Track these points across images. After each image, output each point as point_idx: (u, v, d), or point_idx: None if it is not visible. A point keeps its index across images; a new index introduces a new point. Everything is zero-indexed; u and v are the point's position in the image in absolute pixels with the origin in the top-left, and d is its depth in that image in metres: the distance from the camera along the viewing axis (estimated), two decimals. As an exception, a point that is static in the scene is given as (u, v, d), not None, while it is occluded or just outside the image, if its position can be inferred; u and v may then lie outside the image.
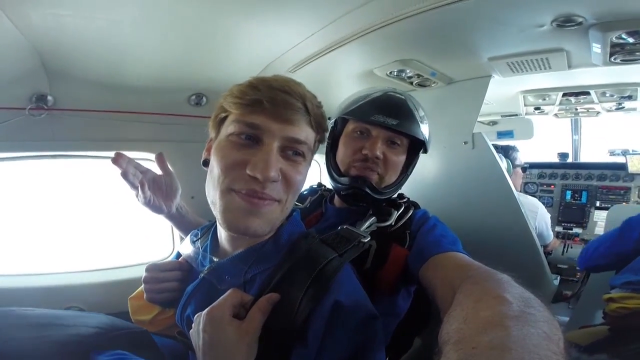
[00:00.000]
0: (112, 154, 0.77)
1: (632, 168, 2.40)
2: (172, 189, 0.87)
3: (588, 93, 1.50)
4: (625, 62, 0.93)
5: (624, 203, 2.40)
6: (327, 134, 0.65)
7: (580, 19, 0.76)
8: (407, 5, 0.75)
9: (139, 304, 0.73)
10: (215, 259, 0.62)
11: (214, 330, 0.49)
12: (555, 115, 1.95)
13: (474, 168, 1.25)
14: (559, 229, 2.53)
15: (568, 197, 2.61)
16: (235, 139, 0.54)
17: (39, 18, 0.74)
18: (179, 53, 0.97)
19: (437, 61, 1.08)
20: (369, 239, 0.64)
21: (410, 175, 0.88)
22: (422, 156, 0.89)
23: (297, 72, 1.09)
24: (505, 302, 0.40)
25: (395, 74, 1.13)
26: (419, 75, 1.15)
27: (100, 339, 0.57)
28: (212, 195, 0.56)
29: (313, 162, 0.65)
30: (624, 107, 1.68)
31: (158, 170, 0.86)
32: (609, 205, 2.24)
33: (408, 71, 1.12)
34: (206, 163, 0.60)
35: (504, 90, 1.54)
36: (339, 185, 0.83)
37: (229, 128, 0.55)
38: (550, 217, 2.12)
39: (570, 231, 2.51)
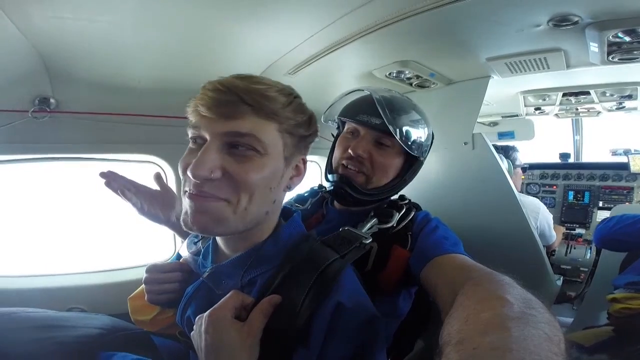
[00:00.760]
0: (111, 156, 0.78)
1: (634, 168, 2.39)
2: (169, 200, 0.90)
3: (588, 93, 1.50)
4: (623, 60, 0.94)
5: (626, 203, 2.39)
6: (306, 123, 0.59)
7: (576, 18, 0.76)
8: (405, 7, 0.76)
9: (138, 304, 0.73)
10: (214, 262, 0.62)
11: (216, 332, 0.49)
12: (556, 115, 1.95)
13: (475, 169, 1.25)
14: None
15: (570, 197, 2.60)
16: (191, 144, 0.56)
17: (41, 21, 0.75)
18: (180, 55, 0.98)
19: (436, 62, 1.09)
20: (370, 240, 0.64)
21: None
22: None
23: (297, 73, 1.09)
24: (507, 304, 0.40)
25: (394, 75, 1.14)
26: (418, 77, 1.15)
27: (104, 339, 0.58)
28: None
29: (313, 163, 0.65)
30: (624, 107, 1.68)
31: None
32: (612, 206, 2.23)
33: (407, 72, 1.13)
34: None
35: (503, 91, 1.54)
36: (328, 183, 0.86)
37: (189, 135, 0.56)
38: (553, 218, 2.11)
39: (573, 232, 2.49)
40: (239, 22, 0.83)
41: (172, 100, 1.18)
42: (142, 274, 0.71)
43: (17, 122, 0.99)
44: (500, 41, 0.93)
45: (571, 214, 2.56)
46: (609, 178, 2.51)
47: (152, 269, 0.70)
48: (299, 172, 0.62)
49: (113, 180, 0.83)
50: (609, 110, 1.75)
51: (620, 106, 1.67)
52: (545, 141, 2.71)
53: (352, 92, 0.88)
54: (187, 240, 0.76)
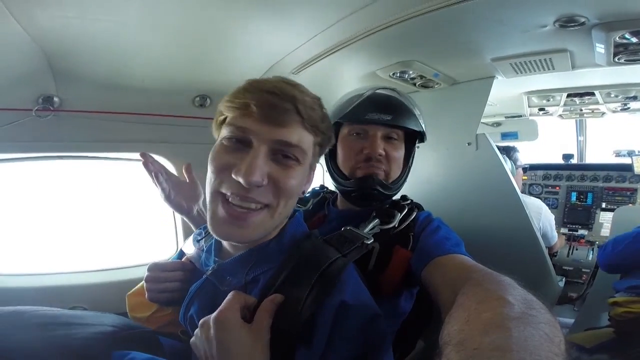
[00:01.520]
0: (115, 154, 0.78)
1: (638, 169, 2.37)
2: (195, 193, 0.94)
3: (593, 94, 1.49)
4: (629, 62, 0.93)
5: (630, 204, 2.38)
6: (330, 136, 0.63)
7: (582, 19, 0.75)
8: (409, 7, 0.75)
9: (137, 300, 0.73)
10: (218, 260, 0.62)
11: (227, 336, 0.48)
12: (560, 116, 1.94)
13: (478, 169, 1.25)
14: (564, 230, 2.51)
15: (573, 198, 2.59)
16: (227, 142, 0.54)
17: (46, 20, 0.75)
18: (184, 54, 0.98)
19: (439, 62, 1.08)
20: (372, 240, 0.64)
21: (414, 177, 0.89)
22: (425, 157, 0.89)
23: (300, 73, 1.09)
24: (507, 304, 0.40)
25: (398, 75, 1.13)
26: (422, 77, 1.15)
27: (117, 336, 0.58)
28: (207, 197, 0.57)
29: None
30: (629, 108, 1.67)
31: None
32: (615, 207, 2.21)
33: (411, 72, 1.12)
34: None
35: (507, 92, 1.54)
36: (347, 189, 0.84)
37: (223, 131, 0.56)
38: (556, 219, 2.11)
39: (575, 233, 2.48)
40: (244, 21, 0.83)
41: (175, 99, 1.19)
42: (143, 272, 0.71)
43: (21, 120, 0.99)
44: (505, 42, 0.92)
45: (574, 215, 2.55)
46: (613, 179, 2.50)
47: (154, 268, 0.71)
48: (311, 178, 0.64)
49: (150, 163, 0.88)
50: (614, 111, 1.74)
51: (625, 107, 1.66)
52: (549, 142, 2.69)
53: (367, 92, 0.85)
54: (191, 237, 0.76)
